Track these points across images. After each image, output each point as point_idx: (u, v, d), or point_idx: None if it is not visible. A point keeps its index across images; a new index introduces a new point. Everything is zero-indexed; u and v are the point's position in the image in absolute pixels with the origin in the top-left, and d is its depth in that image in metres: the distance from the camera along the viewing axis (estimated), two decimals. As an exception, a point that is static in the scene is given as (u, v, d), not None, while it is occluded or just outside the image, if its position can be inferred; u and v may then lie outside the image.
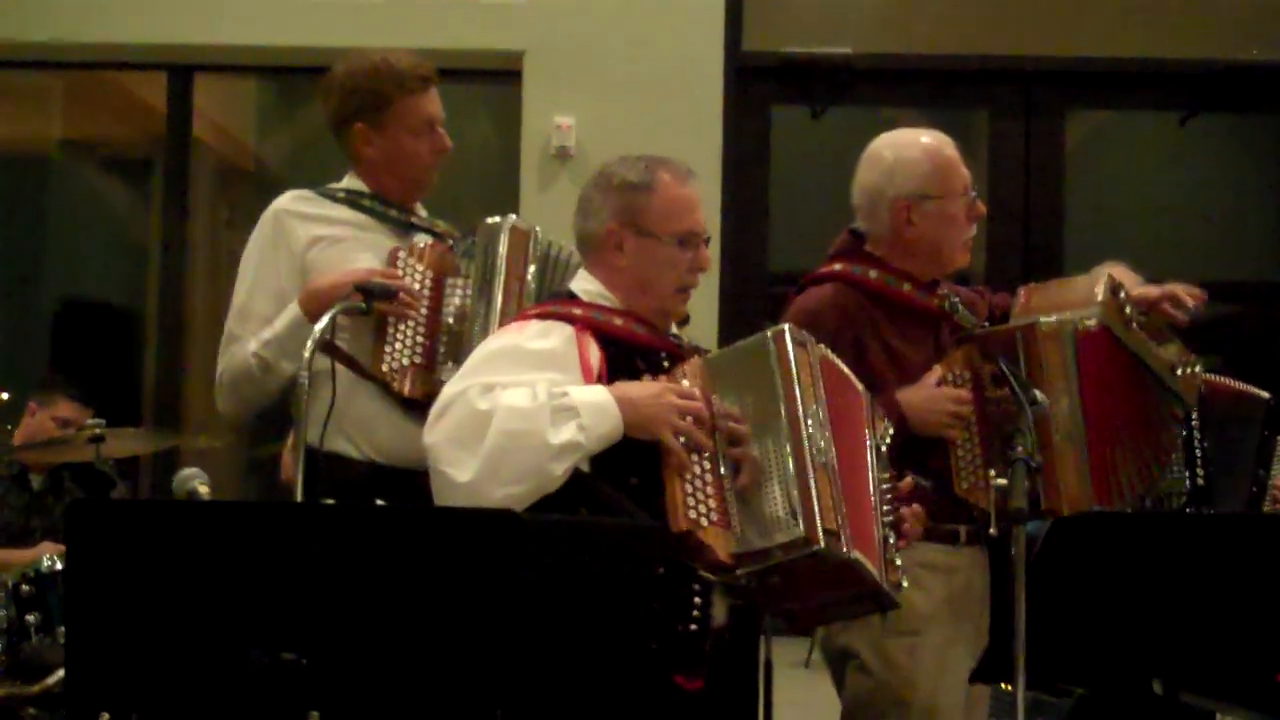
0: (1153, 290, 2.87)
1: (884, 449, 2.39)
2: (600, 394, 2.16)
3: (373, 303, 2.47)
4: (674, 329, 2.40)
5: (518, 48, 5.03)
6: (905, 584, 2.33)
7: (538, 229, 2.65)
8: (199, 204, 5.60)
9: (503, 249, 2.56)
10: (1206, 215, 5.34)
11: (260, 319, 2.55)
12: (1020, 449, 2.32)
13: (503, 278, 2.55)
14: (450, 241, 2.63)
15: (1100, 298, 2.81)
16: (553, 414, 2.11)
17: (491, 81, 5.21)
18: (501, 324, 2.47)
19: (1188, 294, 2.85)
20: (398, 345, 2.52)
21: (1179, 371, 2.81)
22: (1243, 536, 2.35)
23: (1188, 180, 5.35)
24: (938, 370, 2.72)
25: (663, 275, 2.33)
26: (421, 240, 2.62)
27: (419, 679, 1.90)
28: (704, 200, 2.44)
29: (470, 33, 5.00)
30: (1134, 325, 2.81)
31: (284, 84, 5.91)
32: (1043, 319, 2.78)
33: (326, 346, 2.46)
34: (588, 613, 2.04)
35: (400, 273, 2.54)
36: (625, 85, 4.95)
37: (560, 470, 2.11)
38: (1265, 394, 3.53)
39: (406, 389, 2.51)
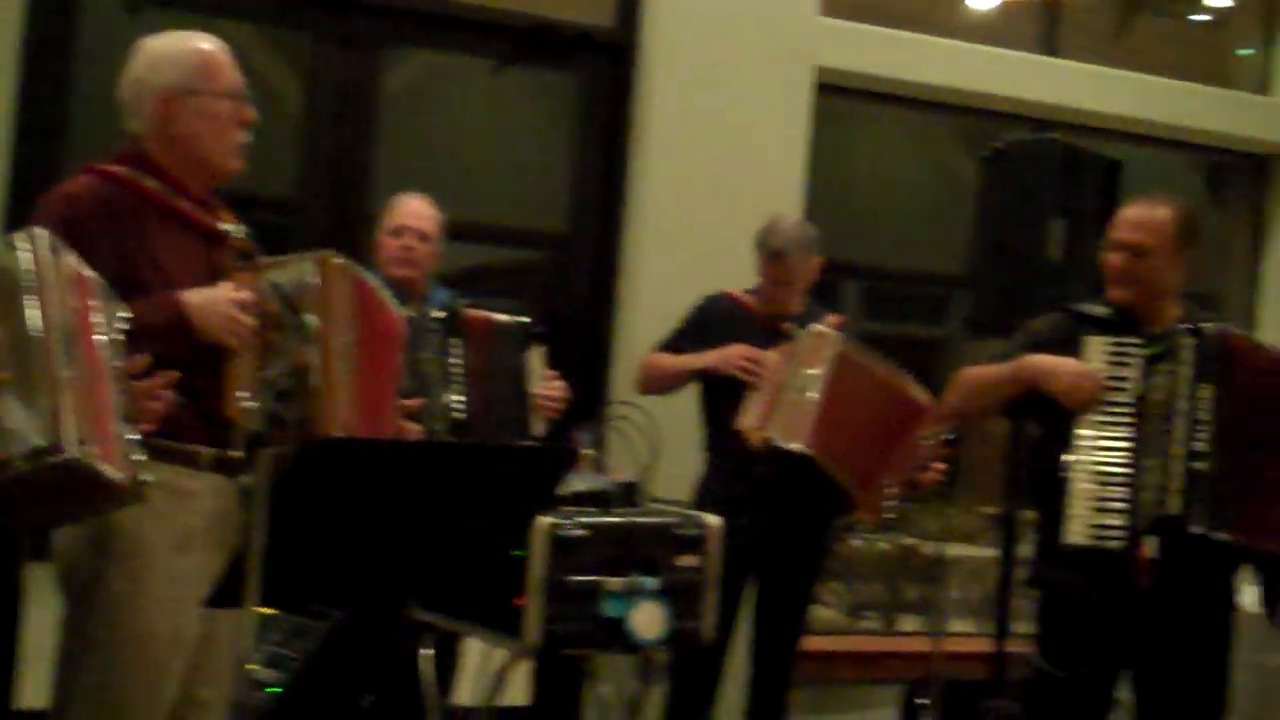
0: None
1: (117, 337, 2.35)
2: None
3: None
4: None
5: None
6: (150, 478, 2.30)
7: None
8: None
9: None
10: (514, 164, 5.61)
11: None
12: (271, 372, 2.35)
13: None
14: None
15: None
16: None
17: None
18: None
19: None
20: None
21: None
22: (476, 465, 2.51)
23: (498, 128, 5.60)
24: (226, 286, 2.71)
25: None
26: None
27: None
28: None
29: None
30: None
31: None
32: (333, 256, 2.86)
33: None
34: None
35: None
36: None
37: None
38: (519, 319, 3.91)
39: None
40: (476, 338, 3.96)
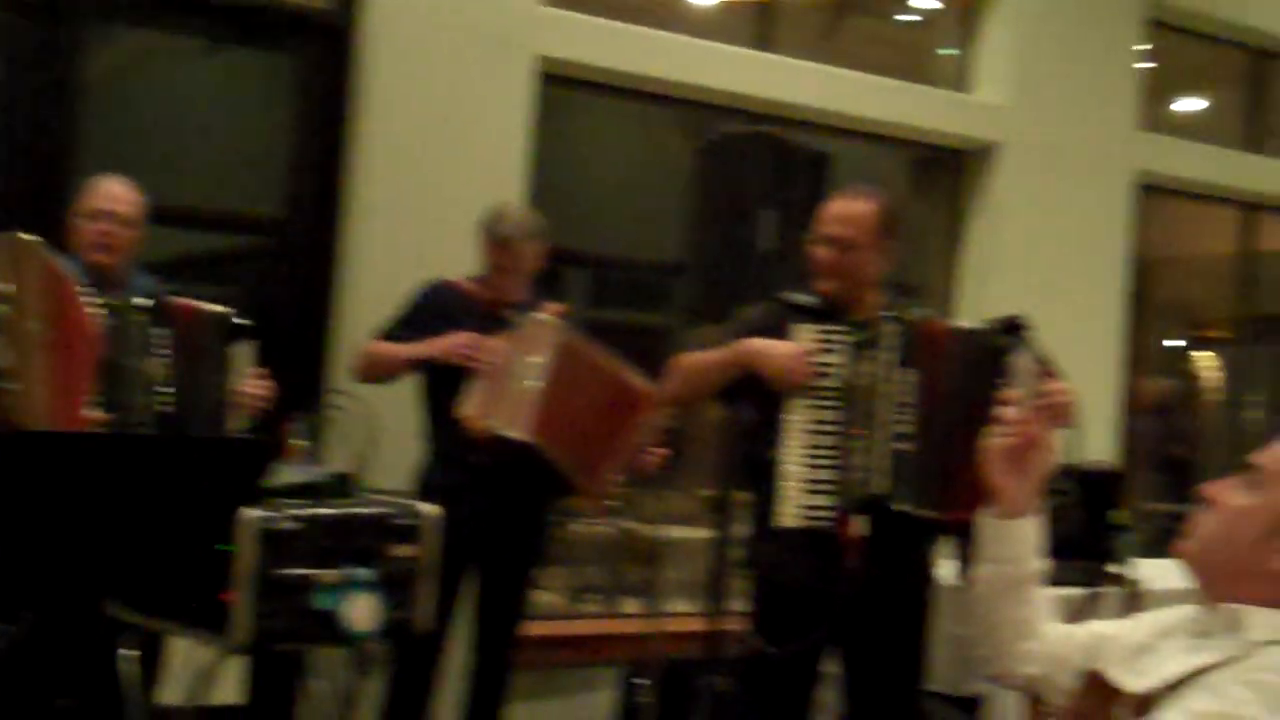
0: None
1: None
2: None
3: None
4: None
5: None
6: None
7: None
8: None
9: None
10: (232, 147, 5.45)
11: None
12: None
13: None
14: None
15: None
16: None
17: None
18: None
19: None
20: None
21: None
22: (173, 458, 2.43)
23: (211, 111, 5.42)
24: None
25: None
26: None
27: None
28: None
29: None
30: None
31: None
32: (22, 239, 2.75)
33: None
34: None
35: None
36: None
37: None
38: (226, 310, 3.80)
39: None
40: (183, 327, 3.82)
